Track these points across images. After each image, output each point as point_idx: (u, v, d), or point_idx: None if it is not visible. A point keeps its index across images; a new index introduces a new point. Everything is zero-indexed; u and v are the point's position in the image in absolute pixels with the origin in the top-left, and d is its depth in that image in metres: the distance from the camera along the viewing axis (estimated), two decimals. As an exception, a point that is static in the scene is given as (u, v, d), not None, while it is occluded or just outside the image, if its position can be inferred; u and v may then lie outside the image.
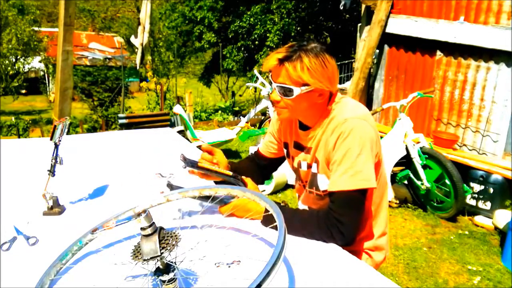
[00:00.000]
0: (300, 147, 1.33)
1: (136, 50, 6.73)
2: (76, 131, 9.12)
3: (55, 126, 1.24)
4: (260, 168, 1.53)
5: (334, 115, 1.20)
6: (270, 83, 1.23)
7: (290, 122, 1.37)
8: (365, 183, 1.11)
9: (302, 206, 1.42)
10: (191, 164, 1.20)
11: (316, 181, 1.27)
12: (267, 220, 1.13)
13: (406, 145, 3.71)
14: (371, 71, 5.25)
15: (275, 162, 1.53)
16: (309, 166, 1.30)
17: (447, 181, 3.55)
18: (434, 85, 4.57)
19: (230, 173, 1.26)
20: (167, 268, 0.82)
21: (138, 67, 7.17)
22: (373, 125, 1.18)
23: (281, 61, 1.14)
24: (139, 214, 0.80)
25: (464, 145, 4.41)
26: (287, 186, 4.43)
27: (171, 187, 1.23)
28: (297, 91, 1.14)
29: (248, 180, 1.30)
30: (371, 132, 1.15)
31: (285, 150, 1.43)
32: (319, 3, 11.92)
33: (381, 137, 3.93)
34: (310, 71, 1.11)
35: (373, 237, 1.34)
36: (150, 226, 0.81)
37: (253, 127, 6.59)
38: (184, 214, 1.22)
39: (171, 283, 0.82)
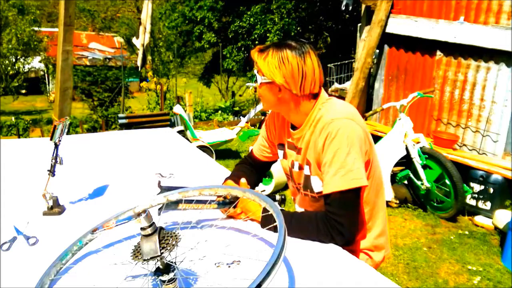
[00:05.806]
0: (293, 147, 1.34)
1: (137, 51, 6.71)
2: (76, 131, 9.12)
3: (55, 126, 1.24)
4: (255, 169, 1.52)
5: (321, 115, 1.21)
6: None
7: (283, 123, 1.37)
8: (357, 182, 1.11)
9: (299, 209, 1.42)
10: (166, 190, 1.18)
11: (310, 183, 1.28)
12: (266, 220, 1.13)
13: (406, 145, 3.71)
14: (371, 71, 5.24)
15: (270, 162, 1.53)
16: (301, 167, 1.30)
17: (447, 181, 3.55)
18: (434, 85, 4.56)
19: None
20: (167, 268, 0.82)
21: (140, 69, 7.15)
22: (361, 124, 1.19)
23: (259, 51, 1.23)
24: (139, 214, 0.80)
25: (464, 145, 4.41)
26: (287, 186, 4.43)
27: (161, 188, 1.20)
28: (259, 78, 1.24)
29: (243, 184, 1.30)
30: (358, 130, 1.15)
31: (281, 152, 1.43)
32: (319, 3, 11.92)
33: (381, 137, 3.95)
34: (268, 64, 1.20)
35: (372, 236, 1.34)
36: (150, 226, 0.81)
37: (253, 127, 6.59)
38: (184, 214, 1.22)
39: (171, 283, 0.82)
